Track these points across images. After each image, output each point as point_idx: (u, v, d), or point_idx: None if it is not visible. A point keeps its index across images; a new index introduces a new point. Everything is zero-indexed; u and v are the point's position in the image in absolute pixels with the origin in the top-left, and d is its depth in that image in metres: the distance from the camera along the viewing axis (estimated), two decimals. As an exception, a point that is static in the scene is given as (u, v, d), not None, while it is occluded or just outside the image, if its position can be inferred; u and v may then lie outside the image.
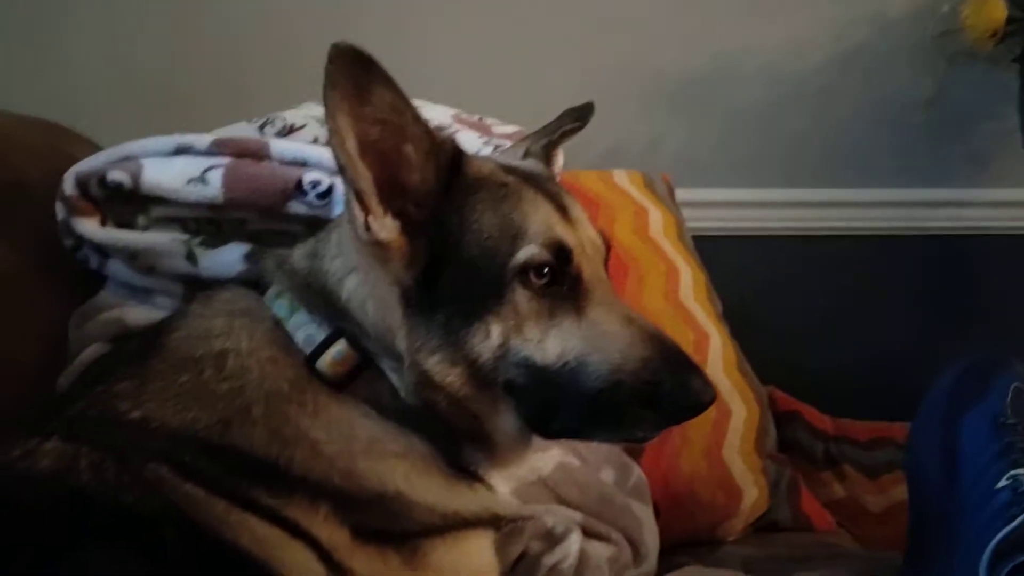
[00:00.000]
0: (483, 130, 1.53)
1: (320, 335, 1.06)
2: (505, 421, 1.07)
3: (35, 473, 0.94)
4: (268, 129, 1.47)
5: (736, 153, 2.51)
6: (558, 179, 1.30)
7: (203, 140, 1.35)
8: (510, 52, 2.35)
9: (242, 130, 1.47)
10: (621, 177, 1.92)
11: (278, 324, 1.09)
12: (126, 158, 1.33)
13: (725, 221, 2.48)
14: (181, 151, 1.34)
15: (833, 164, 2.53)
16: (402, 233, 1.03)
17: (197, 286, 1.28)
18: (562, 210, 1.09)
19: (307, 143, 1.41)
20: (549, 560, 1.22)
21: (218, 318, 1.10)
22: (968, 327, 2.53)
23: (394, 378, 1.06)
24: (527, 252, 1.01)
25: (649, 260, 1.77)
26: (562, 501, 1.35)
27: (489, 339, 1.01)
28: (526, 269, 1.01)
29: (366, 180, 1.00)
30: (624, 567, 1.32)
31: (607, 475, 1.44)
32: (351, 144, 0.97)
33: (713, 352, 1.74)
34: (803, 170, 2.53)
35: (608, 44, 2.40)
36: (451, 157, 1.05)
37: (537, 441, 1.11)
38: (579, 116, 1.30)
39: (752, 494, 1.65)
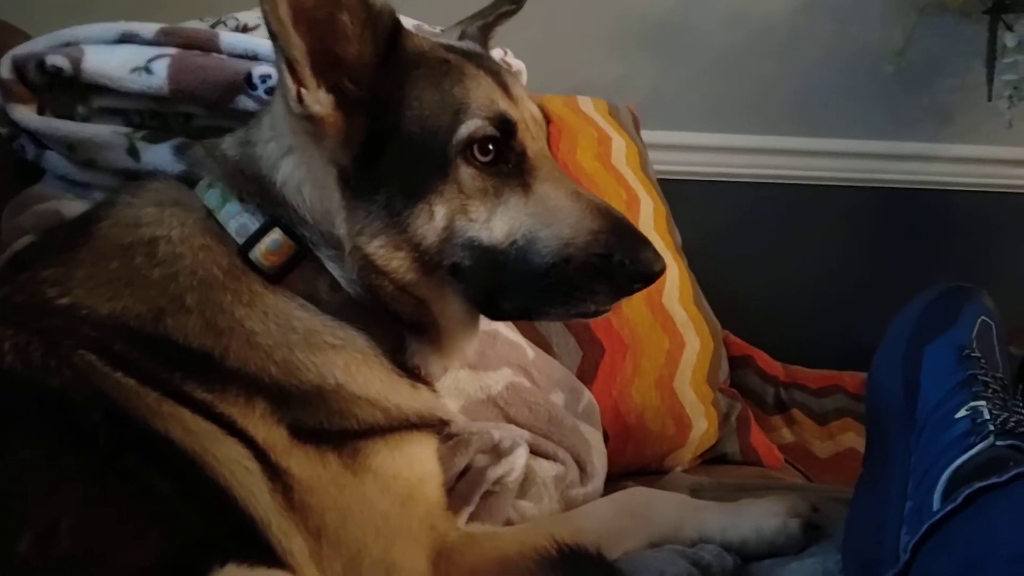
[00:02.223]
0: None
1: (254, 224, 1.03)
2: (452, 306, 1.05)
3: None
4: (221, 29, 1.41)
5: (703, 97, 2.48)
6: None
7: (149, 29, 1.30)
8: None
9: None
10: (586, 103, 1.89)
11: (210, 214, 1.05)
12: (67, 44, 1.28)
13: (689, 165, 2.46)
14: (126, 39, 1.29)
15: (800, 112, 2.52)
16: (337, 108, 0.99)
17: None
18: (504, 87, 1.06)
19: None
20: (494, 473, 1.19)
21: (148, 207, 1.06)
22: (927, 281, 2.54)
23: (333, 268, 1.03)
24: (471, 126, 0.99)
25: (610, 187, 1.74)
26: (511, 420, 1.33)
27: (433, 220, 0.99)
28: (470, 144, 0.99)
29: (299, 49, 0.96)
30: (570, 486, 1.31)
31: (557, 398, 1.42)
32: (284, 10, 0.92)
33: (670, 283, 1.72)
34: (769, 117, 2.51)
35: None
36: (389, 29, 1.01)
37: (483, 323, 1.11)
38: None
39: (702, 425, 1.65)
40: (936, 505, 0.99)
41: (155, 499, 0.88)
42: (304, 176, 1.03)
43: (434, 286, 1.04)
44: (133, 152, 1.26)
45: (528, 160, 1.03)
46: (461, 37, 1.23)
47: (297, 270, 1.03)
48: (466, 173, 1.00)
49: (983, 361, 1.18)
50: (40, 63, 1.25)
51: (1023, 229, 2.38)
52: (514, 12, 1.28)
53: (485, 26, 1.26)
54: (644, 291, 1.61)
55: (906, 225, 2.63)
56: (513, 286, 1.00)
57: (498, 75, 1.08)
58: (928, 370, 1.20)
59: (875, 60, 2.41)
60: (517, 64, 1.59)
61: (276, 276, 1.02)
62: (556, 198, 1.02)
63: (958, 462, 1.03)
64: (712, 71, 2.47)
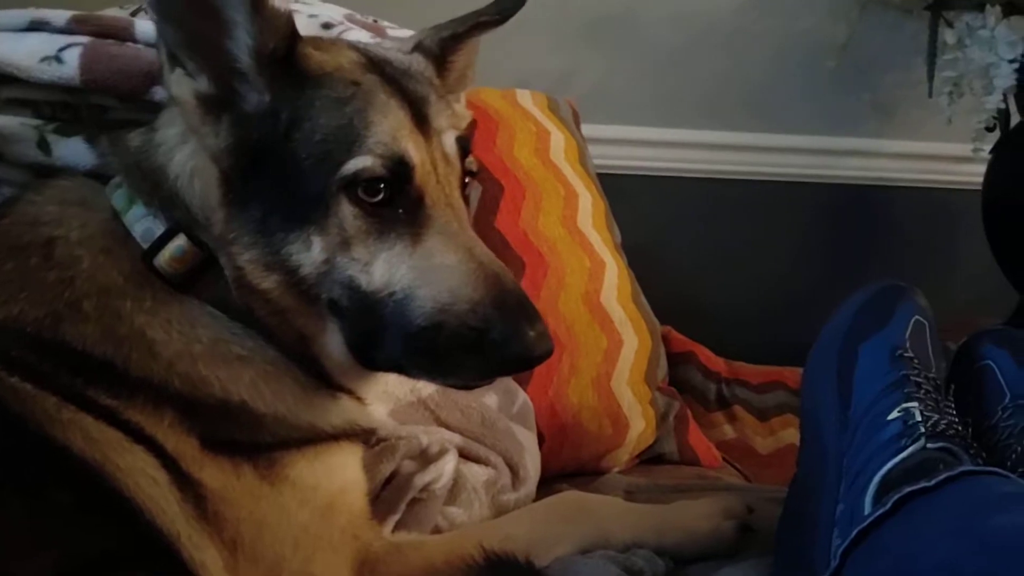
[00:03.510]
0: (377, 31, 1.44)
1: (159, 229, 0.98)
2: (332, 344, 0.99)
3: None
4: (141, 17, 1.35)
5: (648, 91, 2.45)
6: (461, 96, 1.22)
7: (60, 16, 1.23)
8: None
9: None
10: (524, 97, 1.85)
11: (116, 216, 1.00)
12: (-29, 31, 1.21)
13: (633, 159, 2.44)
14: (35, 27, 1.22)
15: (744, 107, 2.51)
16: (201, 101, 0.95)
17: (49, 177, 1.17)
18: (420, 119, 0.98)
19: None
20: (421, 480, 1.16)
21: (49, 205, 1.02)
22: (871, 276, 2.55)
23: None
24: (359, 163, 0.91)
25: (548, 183, 1.71)
26: (443, 424, 1.30)
27: (311, 251, 0.93)
28: (355, 182, 0.92)
29: (172, 29, 0.92)
30: (502, 490, 1.29)
31: (490, 399, 1.39)
32: None
33: (608, 280, 1.70)
34: (714, 112, 2.50)
35: (519, -30, 2.32)
36: (282, 36, 0.95)
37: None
38: (500, 10, 1.15)
39: (639, 425, 1.63)
40: (867, 509, 0.98)
41: (52, 511, 0.84)
42: (195, 167, 0.98)
43: (313, 318, 0.98)
44: (44, 145, 1.20)
45: (424, 207, 0.95)
46: (414, 48, 1.12)
47: (206, 276, 0.98)
48: (349, 211, 0.92)
49: (916, 361, 1.18)
50: (-57, 51, 1.19)
51: (964, 225, 2.39)
52: (496, 24, 1.16)
53: (454, 36, 1.14)
54: (581, 288, 1.63)
55: (850, 221, 2.64)
56: (387, 338, 0.93)
57: (419, 103, 0.99)
58: (861, 370, 1.20)
59: (818, 56, 2.40)
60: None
61: (182, 284, 0.97)
62: (444, 255, 0.93)
63: (889, 465, 1.03)
64: (658, 65, 2.44)
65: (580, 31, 2.39)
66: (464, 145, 1.02)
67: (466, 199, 1.03)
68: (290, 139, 0.93)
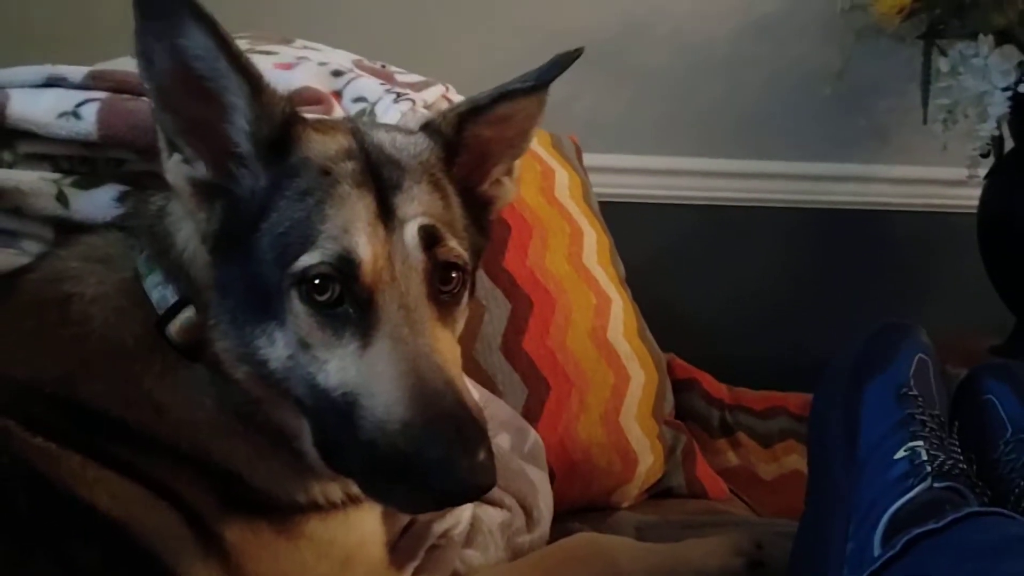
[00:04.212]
0: (385, 78, 1.47)
1: (172, 297, 0.97)
2: (308, 443, 0.94)
3: None
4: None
5: (644, 120, 2.48)
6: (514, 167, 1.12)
7: (78, 72, 1.25)
8: (417, 5, 2.28)
9: (126, 66, 1.37)
10: (529, 136, 1.87)
11: (138, 278, 1.00)
12: (-10, 87, 1.23)
13: (631, 188, 2.46)
14: (53, 83, 1.24)
15: (740, 134, 2.53)
16: (197, 188, 0.93)
17: (69, 230, 1.18)
18: (385, 209, 0.90)
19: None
20: (439, 527, 1.18)
21: (73, 261, 1.02)
22: (867, 299, 2.59)
23: None
24: (306, 260, 0.86)
25: (554, 221, 1.74)
26: (455, 466, 1.31)
27: (274, 346, 0.89)
28: (304, 279, 0.86)
29: (169, 116, 0.91)
30: (517, 532, 1.30)
31: (503, 440, 1.41)
32: (158, 73, 0.88)
33: (614, 316, 1.72)
34: (709, 140, 2.52)
35: (515, 2, 2.36)
36: (282, 123, 0.92)
37: None
38: (536, 78, 1.04)
39: (648, 460, 1.65)
40: (876, 550, 1.00)
41: (82, 570, 0.86)
42: (196, 246, 0.97)
43: (289, 414, 0.94)
44: (62, 199, 1.21)
45: (374, 307, 0.87)
46: (422, 129, 1.04)
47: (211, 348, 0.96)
48: (301, 309, 0.87)
49: (920, 400, 1.19)
50: (-38, 108, 1.20)
51: (960, 248, 2.41)
52: (526, 92, 1.04)
53: (473, 110, 1.03)
54: (588, 325, 1.65)
55: (846, 245, 2.66)
56: (344, 445, 0.87)
57: (388, 191, 0.92)
58: (867, 409, 1.21)
59: (813, 83, 2.43)
60: (459, 100, 1.58)
61: (192, 353, 0.96)
62: (386, 365, 0.85)
63: (897, 504, 1.05)
64: (653, 94, 2.48)
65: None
66: (431, 233, 0.91)
67: (442, 294, 0.93)
68: (258, 229, 0.90)
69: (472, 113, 1.03)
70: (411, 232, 0.90)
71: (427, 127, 1.04)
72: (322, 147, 0.93)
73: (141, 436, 0.92)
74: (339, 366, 0.86)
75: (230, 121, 0.92)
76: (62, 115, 1.21)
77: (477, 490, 0.82)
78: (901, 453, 1.11)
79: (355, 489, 0.99)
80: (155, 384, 0.95)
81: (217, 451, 0.95)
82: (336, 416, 0.86)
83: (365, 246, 0.87)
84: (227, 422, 0.96)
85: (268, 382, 0.91)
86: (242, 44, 0.95)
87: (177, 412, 0.94)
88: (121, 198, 1.17)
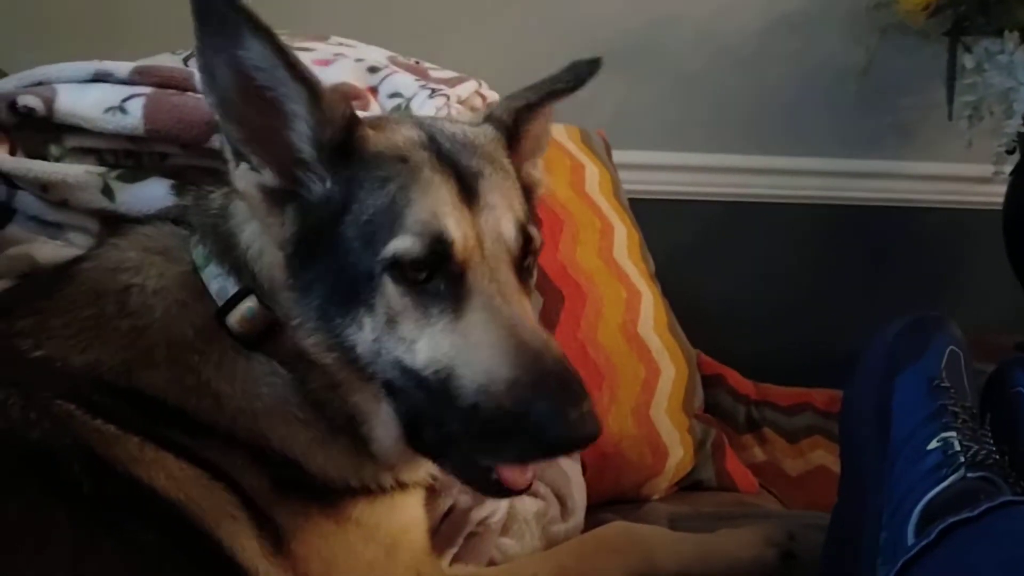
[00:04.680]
0: (420, 74, 1.49)
1: (232, 288, 1.00)
2: (381, 428, 1.00)
3: None
4: (193, 62, 1.40)
5: (669, 117, 2.50)
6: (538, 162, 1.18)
7: (123, 68, 1.28)
8: (450, 4, 2.30)
9: (166, 61, 1.39)
10: (559, 131, 1.89)
11: (196, 270, 1.03)
12: (39, 83, 1.26)
13: (657, 184, 2.47)
14: (99, 78, 1.27)
15: (765, 130, 2.54)
16: (267, 194, 0.96)
17: (114, 222, 1.21)
18: (468, 194, 0.96)
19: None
20: (477, 515, 1.20)
21: (132, 251, 1.04)
22: (891, 298, 2.59)
23: None
24: (399, 244, 0.90)
25: (584, 216, 1.75)
26: (491, 456, 1.33)
27: (362, 331, 0.93)
28: (397, 262, 0.91)
29: (234, 127, 0.94)
30: (551, 522, 1.32)
31: (536, 431, 1.42)
32: (220, 86, 0.91)
33: (645, 311, 1.74)
34: (734, 135, 2.54)
35: (543, 1, 2.37)
36: (344, 124, 0.95)
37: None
38: (574, 77, 1.11)
39: (678, 453, 1.66)
40: (910, 539, 1.01)
41: (142, 550, 0.88)
42: (262, 246, 1.01)
43: (367, 397, 0.99)
44: (108, 192, 1.24)
45: (465, 283, 0.92)
46: (486, 120, 1.10)
47: (273, 337, 1.00)
48: (393, 291, 0.91)
49: (952, 391, 1.20)
50: (12, 103, 1.23)
51: (984, 244, 2.41)
52: (570, 91, 1.11)
53: (528, 106, 1.10)
54: (618, 319, 1.66)
55: (871, 242, 2.66)
56: (436, 418, 0.92)
57: (469, 177, 0.97)
58: (899, 401, 1.22)
59: (838, 79, 2.45)
60: (492, 96, 1.60)
61: (252, 343, 1.00)
62: (484, 332, 0.89)
63: (930, 494, 1.05)
64: (678, 91, 2.49)
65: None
66: (516, 215, 0.99)
67: (522, 270, 0.99)
68: (341, 222, 0.94)
69: (527, 108, 1.10)
70: (498, 214, 0.96)
71: (490, 119, 1.09)
72: (391, 140, 0.98)
73: (196, 422, 0.95)
74: (430, 343, 0.91)
75: (292, 128, 0.95)
76: (108, 110, 1.23)
77: (587, 439, 0.85)
78: (934, 444, 1.12)
79: (405, 476, 1.04)
80: (214, 374, 0.98)
81: (275, 439, 0.98)
82: (426, 391, 0.90)
83: (456, 227, 0.92)
84: (285, 411, 0.99)
85: (356, 366, 0.95)
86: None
87: (236, 402, 0.97)
88: (177, 192, 1.20)
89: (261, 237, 1.00)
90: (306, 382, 0.99)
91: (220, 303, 1.00)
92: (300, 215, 0.96)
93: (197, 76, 1.26)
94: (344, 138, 0.95)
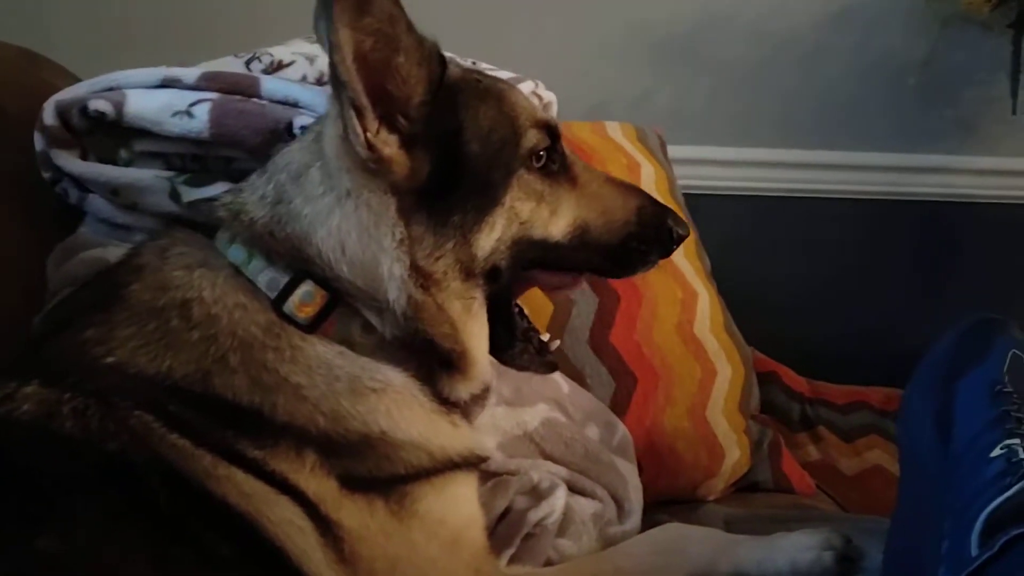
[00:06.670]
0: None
1: (283, 277, 1.04)
2: (474, 327, 1.10)
3: (16, 418, 0.91)
4: (255, 65, 1.43)
5: (725, 111, 2.48)
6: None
7: (191, 73, 1.31)
8: (507, 5, 2.31)
9: (229, 65, 1.42)
10: (614, 129, 1.89)
11: (238, 271, 1.05)
12: (109, 88, 1.30)
13: (712, 179, 2.47)
14: (167, 84, 1.31)
15: (823, 125, 2.52)
16: (400, 147, 1.02)
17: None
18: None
19: (295, 81, 1.37)
20: (534, 516, 1.21)
21: (175, 271, 1.06)
22: (952, 295, 2.55)
23: (369, 313, 1.05)
24: (531, 137, 1.08)
25: (641, 216, 1.75)
26: (547, 457, 1.35)
27: (494, 231, 1.06)
28: (530, 154, 1.08)
29: (365, 95, 0.98)
30: (608, 523, 1.32)
31: (592, 432, 1.43)
32: (350, 60, 0.94)
33: (701, 311, 1.73)
34: (792, 130, 2.51)
35: (597, 1, 2.37)
36: (439, 65, 1.05)
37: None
38: None
39: (734, 454, 1.66)
40: (974, 550, 0.99)
41: (218, 563, 0.90)
42: (353, 225, 1.04)
43: (465, 295, 1.08)
44: (175, 196, 1.27)
45: (568, 159, 1.14)
46: None
47: (331, 317, 1.04)
48: (528, 180, 1.08)
49: (1015, 396, 1.18)
50: (83, 108, 1.27)
51: (1049, 241, 2.38)
52: None
53: None
54: (674, 319, 1.66)
55: (931, 237, 2.63)
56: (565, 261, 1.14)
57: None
58: (961, 406, 1.20)
59: (898, 73, 2.41)
60: (548, 96, 1.60)
61: (311, 327, 1.03)
62: (600, 188, 1.15)
63: (994, 504, 1.03)
64: (736, 85, 2.47)
65: (659, 54, 2.42)
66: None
67: None
68: (463, 143, 1.05)
69: None
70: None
71: None
72: (454, 70, 1.10)
73: (271, 424, 0.97)
74: (565, 214, 1.11)
75: (401, 78, 1.01)
76: (176, 114, 1.27)
77: (683, 237, 1.19)
78: (997, 451, 1.10)
79: (470, 443, 1.11)
80: (291, 368, 1.00)
81: (357, 414, 1.01)
82: (555, 252, 1.11)
83: (549, 116, 1.13)
84: (360, 386, 1.02)
85: (468, 268, 1.06)
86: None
87: (317, 389, 1.00)
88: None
89: (349, 218, 1.04)
90: (418, 318, 1.05)
91: (273, 295, 1.03)
92: (428, 152, 1.04)
93: (264, 82, 1.30)
94: (440, 72, 1.05)
